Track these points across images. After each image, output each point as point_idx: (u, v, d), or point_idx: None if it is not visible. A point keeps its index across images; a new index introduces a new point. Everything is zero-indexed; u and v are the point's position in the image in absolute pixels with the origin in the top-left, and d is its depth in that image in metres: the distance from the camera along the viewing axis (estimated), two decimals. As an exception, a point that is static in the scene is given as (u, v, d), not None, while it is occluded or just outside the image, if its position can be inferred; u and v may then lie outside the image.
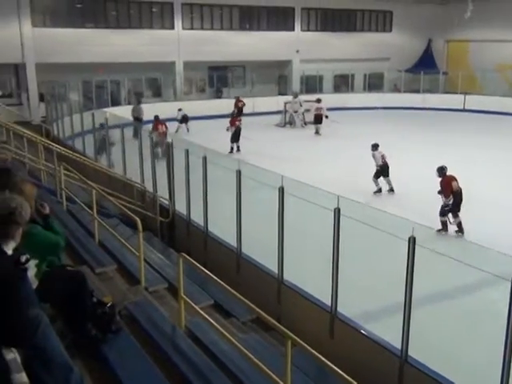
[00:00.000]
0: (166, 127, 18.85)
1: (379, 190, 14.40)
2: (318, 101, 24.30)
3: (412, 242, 5.97)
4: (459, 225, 11.32)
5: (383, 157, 14.43)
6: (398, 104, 30.08)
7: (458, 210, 11.29)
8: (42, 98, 24.04)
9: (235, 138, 19.78)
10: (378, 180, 14.43)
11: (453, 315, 7.67)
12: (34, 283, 4.15)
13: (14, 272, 3.03)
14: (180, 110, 23.93)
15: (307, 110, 25.20)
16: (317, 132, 23.63)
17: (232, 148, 19.70)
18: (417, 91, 31.92)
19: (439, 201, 11.41)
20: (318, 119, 23.76)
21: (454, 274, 7.72)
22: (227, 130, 20.03)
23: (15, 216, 3.08)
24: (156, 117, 19.45)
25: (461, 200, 11.29)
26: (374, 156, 14.59)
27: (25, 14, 24.14)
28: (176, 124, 23.24)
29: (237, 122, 20.21)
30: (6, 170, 4.80)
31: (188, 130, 23.50)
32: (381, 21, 34.67)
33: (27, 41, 24.29)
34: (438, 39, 35.47)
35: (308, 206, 7.55)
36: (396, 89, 33.54)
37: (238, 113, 24.67)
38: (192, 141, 12.10)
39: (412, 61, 34.66)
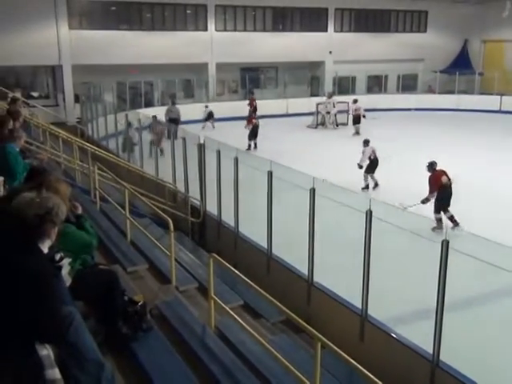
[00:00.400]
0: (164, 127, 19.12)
1: (366, 187, 14.61)
2: (355, 101, 24.30)
3: (445, 245, 5.89)
4: (451, 218, 11.32)
5: (374, 152, 14.74)
6: (432, 105, 29.68)
7: (449, 205, 11.37)
8: (77, 99, 24.46)
9: (252, 135, 20.39)
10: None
11: (488, 319, 7.52)
12: (68, 281, 4.23)
13: (49, 270, 3.09)
14: (207, 106, 25.01)
15: (342, 111, 25.11)
16: (357, 132, 23.50)
17: (249, 145, 20.29)
18: (452, 92, 31.42)
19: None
20: (357, 119, 23.78)
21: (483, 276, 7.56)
22: (245, 127, 20.63)
23: (52, 215, 3.13)
24: (154, 117, 19.76)
25: (451, 194, 11.37)
26: (363, 152, 14.88)
27: (62, 16, 24.60)
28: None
29: (254, 120, 20.82)
30: (41, 170, 4.91)
31: (213, 126, 24.11)
32: (416, 21, 34.20)
33: (64, 43, 24.75)
34: (474, 39, 34.80)
35: (337, 207, 7.50)
36: (430, 90, 33.08)
37: (254, 111, 25.14)
38: (212, 138, 12.19)
39: (447, 61, 34.11)
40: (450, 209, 11.36)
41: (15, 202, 3.12)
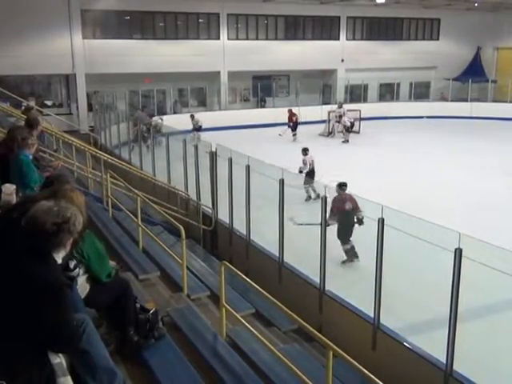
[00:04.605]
0: None
1: (309, 198, 14.07)
2: (340, 106, 24.82)
3: (458, 253, 5.84)
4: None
5: (313, 161, 14.86)
6: (444, 113, 29.56)
7: None
8: (90, 107, 24.64)
9: None
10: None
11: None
12: (86, 289, 4.22)
13: (62, 280, 3.09)
14: (193, 117, 23.58)
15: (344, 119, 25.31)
16: (346, 140, 23.94)
17: None
18: (465, 100, 31.24)
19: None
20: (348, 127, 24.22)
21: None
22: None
23: (69, 225, 3.10)
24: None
25: None
26: (304, 161, 14.91)
27: (76, 26, 24.83)
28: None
29: None
30: (57, 178, 4.93)
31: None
32: (428, 29, 34.13)
33: (78, 52, 24.98)
34: (487, 47, 34.62)
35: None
36: (443, 97, 32.94)
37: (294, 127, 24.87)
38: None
39: (460, 69, 33.92)
40: None
41: (33, 210, 3.11)
